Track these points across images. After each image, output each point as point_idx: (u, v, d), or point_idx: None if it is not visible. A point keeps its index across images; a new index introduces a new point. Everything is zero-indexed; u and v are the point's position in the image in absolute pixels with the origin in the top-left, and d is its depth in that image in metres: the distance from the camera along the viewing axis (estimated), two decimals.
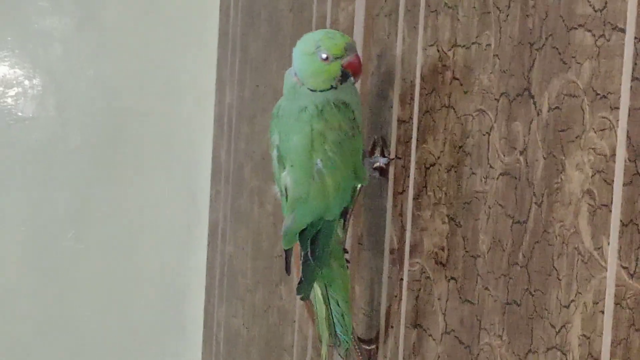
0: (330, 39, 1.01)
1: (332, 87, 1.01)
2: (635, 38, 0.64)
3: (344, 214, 1.05)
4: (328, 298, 1.07)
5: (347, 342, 1.08)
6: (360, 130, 1.03)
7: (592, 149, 0.68)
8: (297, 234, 1.03)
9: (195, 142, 2.44)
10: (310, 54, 1.01)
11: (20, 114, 2.37)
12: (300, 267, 1.04)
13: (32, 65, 2.37)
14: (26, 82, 2.37)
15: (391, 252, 1.07)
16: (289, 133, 1.02)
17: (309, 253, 1.03)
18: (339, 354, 1.11)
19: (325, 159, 1.00)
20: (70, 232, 2.41)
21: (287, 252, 1.07)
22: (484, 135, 0.85)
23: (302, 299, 1.07)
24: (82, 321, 2.43)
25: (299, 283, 1.04)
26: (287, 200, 1.04)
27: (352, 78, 1.02)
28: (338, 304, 1.07)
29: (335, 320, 1.07)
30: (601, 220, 0.66)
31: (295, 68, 1.03)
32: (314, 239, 1.03)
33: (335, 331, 1.08)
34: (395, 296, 1.05)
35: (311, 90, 1.02)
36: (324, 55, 1.00)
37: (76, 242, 2.41)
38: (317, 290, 1.07)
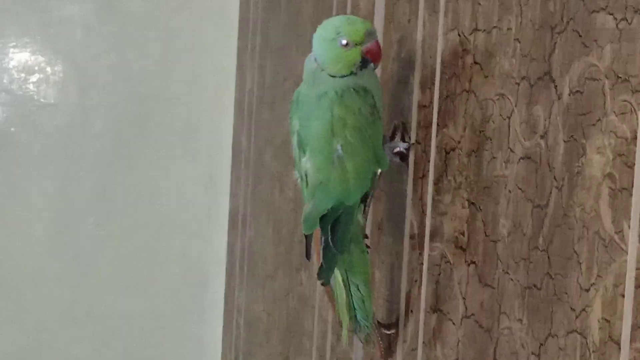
0: (351, 25, 1.01)
1: (352, 73, 1.01)
2: None
3: (364, 199, 1.05)
4: (348, 283, 1.07)
5: (367, 327, 1.08)
6: (380, 115, 1.03)
7: (613, 132, 0.67)
8: (318, 220, 1.03)
9: (216, 128, 2.44)
10: (331, 40, 1.01)
11: (42, 100, 2.38)
12: (321, 253, 1.04)
13: (53, 51, 2.38)
14: (48, 69, 2.38)
15: (411, 237, 1.07)
16: (309, 119, 1.02)
17: (329, 238, 1.03)
18: (359, 339, 1.11)
19: (346, 144, 1.00)
20: (92, 218, 2.42)
21: (308, 238, 1.07)
22: (504, 119, 0.85)
23: (322, 284, 1.07)
24: (103, 306, 2.44)
25: (319, 268, 1.04)
26: (307, 186, 1.04)
27: (372, 64, 1.02)
28: (358, 289, 1.07)
29: (355, 305, 1.08)
30: (622, 203, 0.66)
31: (316, 54, 1.02)
32: (334, 225, 1.03)
33: (356, 316, 1.08)
34: (415, 281, 1.05)
35: (331, 76, 1.02)
36: (344, 42, 1.00)
37: (98, 227, 2.42)
38: (337, 276, 1.07)
